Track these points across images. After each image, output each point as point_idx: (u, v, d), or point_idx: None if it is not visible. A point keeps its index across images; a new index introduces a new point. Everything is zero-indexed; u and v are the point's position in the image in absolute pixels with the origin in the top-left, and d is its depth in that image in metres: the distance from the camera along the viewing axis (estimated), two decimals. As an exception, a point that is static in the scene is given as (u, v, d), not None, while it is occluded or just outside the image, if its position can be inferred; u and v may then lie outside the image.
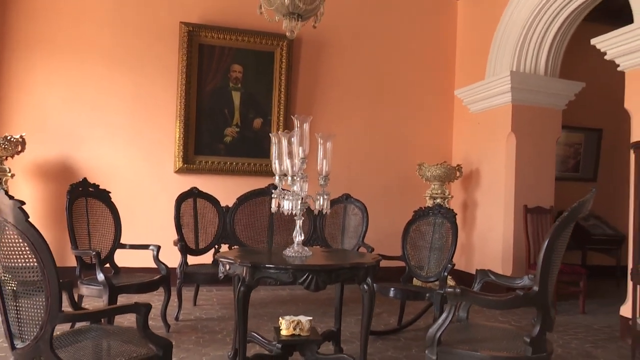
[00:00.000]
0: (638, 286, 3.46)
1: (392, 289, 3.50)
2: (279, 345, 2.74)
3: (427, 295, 3.39)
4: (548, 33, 5.20)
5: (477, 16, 5.92)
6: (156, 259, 3.64)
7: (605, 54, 4.05)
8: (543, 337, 2.07)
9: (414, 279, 4.29)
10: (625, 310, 3.72)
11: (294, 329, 2.74)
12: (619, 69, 4.00)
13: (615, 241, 6.16)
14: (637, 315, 3.43)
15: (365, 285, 2.56)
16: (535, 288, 2.04)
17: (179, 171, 5.24)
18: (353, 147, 5.78)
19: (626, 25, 3.85)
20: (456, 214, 3.74)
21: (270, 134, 3.04)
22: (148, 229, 4.77)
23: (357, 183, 5.53)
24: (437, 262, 3.73)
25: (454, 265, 3.52)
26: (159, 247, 3.68)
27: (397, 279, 3.84)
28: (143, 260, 4.04)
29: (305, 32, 4.68)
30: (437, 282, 3.60)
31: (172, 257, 3.98)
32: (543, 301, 2.02)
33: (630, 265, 3.58)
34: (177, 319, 3.86)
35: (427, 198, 5.47)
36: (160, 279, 3.51)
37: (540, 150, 5.31)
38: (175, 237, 4.06)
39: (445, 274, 3.49)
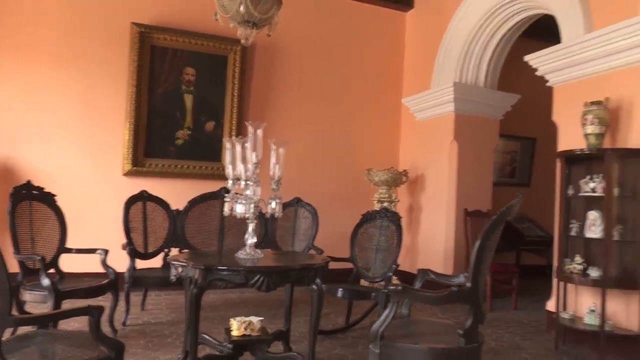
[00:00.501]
0: (562, 283, 3.81)
1: (340, 289, 3.65)
2: (230, 346, 2.81)
3: (373, 294, 3.56)
4: (488, 47, 5.57)
5: (424, 28, 6.24)
6: (104, 263, 3.59)
7: (537, 69, 4.42)
8: (475, 329, 2.27)
9: (362, 279, 4.47)
10: (551, 306, 4.06)
11: (245, 329, 2.81)
12: (547, 84, 4.37)
13: (545, 242, 6.62)
14: (561, 310, 3.78)
15: (314, 286, 2.68)
16: (468, 284, 2.23)
17: (128, 174, 5.15)
18: (305, 152, 5.91)
19: (559, 43, 4.21)
20: (401, 217, 3.94)
21: (224, 139, 3.11)
22: (96, 233, 4.67)
23: (308, 187, 5.65)
24: (383, 263, 3.92)
25: (398, 265, 3.72)
26: (106, 251, 3.64)
27: (345, 280, 4.00)
28: (90, 265, 3.96)
29: (260, 38, 4.74)
30: (382, 282, 3.78)
31: (120, 262, 3.92)
32: (474, 296, 2.23)
33: (555, 264, 3.93)
34: (124, 324, 3.81)
35: (375, 202, 5.68)
36: (108, 283, 3.47)
37: (480, 157, 5.67)
38: (123, 240, 4.02)
39: (390, 274, 3.67)
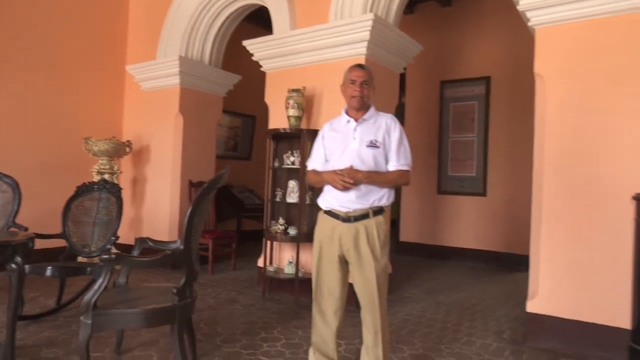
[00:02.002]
0: (269, 242, 4.48)
1: (50, 267, 3.34)
2: None
3: (89, 269, 3.41)
4: (213, 27, 5.83)
5: (150, -4, 6.05)
6: None
7: (253, 54, 4.92)
8: (189, 287, 2.50)
9: (79, 256, 4.19)
10: (261, 262, 4.71)
11: None
12: (262, 69, 4.93)
13: (261, 209, 7.50)
14: (268, 264, 4.44)
15: (13, 265, 2.42)
16: (181, 247, 2.44)
17: None
18: (3, 119, 5.01)
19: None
20: (122, 189, 3.86)
21: None
22: None
23: (8, 157, 4.86)
24: (103, 236, 3.77)
25: (118, 238, 3.65)
26: None
27: (59, 259, 3.68)
28: None
29: None
30: (101, 256, 3.65)
31: None
32: (187, 257, 2.45)
33: (265, 226, 4.57)
34: None
35: (94, 173, 5.32)
36: None
37: (204, 131, 5.96)
38: None
39: (110, 246, 3.58)
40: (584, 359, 2.99)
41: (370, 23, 4.02)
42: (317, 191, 4.29)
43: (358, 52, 4.18)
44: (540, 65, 3.36)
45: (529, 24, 3.42)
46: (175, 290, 2.38)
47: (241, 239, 6.23)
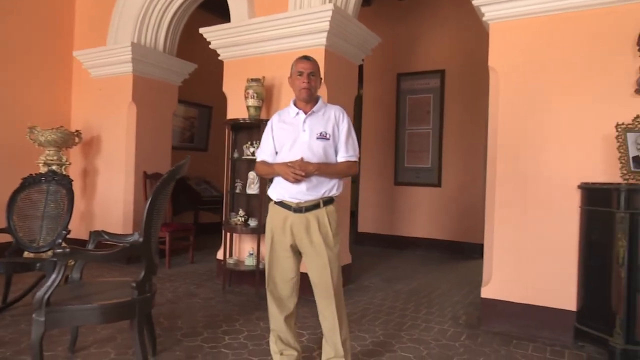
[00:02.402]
0: (229, 234, 4.41)
1: (-5, 264, 3.17)
2: None
3: (38, 265, 3.24)
4: (167, 13, 5.63)
5: (99, -22, 5.77)
6: None
7: (210, 43, 4.80)
8: (148, 281, 2.44)
9: (25, 252, 3.97)
10: (220, 255, 4.64)
11: None
12: (219, 57, 4.82)
13: (219, 201, 7.39)
14: (228, 257, 4.38)
15: (-45, 262, 2.26)
16: (140, 239, 2.36)
17: None
18: None
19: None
20: (72, 180, 3.69)
21: None
22: None
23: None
24: (52, 231, 3.61)
25: (69, 231, 3.49)
26: None
27: (3, 256, 3.47)
28: None
29: None
30: (50, 252, 3.48)
31: None
32: (147, 250, 2.38)
33: (224, 218, 4.50)
34: None
35: (40, 165, 5.03)
36: None
37: (159, 121, 5.78)
38: None
39: (60, 240, 3.42)
40: (534, 340, 3.16)
41: (329, 13, 4.01)
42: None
43: (318, 42, 4.17)
44: (494, 59, 3.48)
45: (484, 18, 3.52)
46: (134, 284, 2.31)
47: (198, 231, 6.10)
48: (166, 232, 5.09)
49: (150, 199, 2.34)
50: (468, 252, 6.35)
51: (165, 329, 3.17)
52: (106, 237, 2.75)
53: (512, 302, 3.31)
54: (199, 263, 5.47)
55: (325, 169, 2.34)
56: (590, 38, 3.14)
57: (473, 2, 3.49)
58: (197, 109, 7.83)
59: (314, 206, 2.35)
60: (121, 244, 2.59)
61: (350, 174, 2.50)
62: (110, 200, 5.53)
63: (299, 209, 2.34)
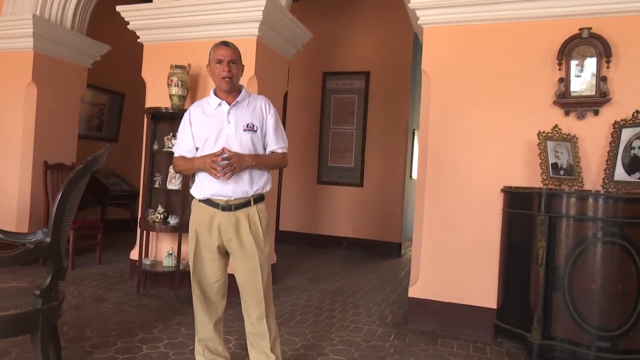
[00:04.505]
0: (145, 232, 4.06)
1: None
2: None
3: None
4: (76, -14, 5.08)
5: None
6: None
7: (128, 23, 4.39)
8: (55, 287, 2.10)
9: None
10: (134, 254, 4.26)
11: None
12: (139, 40, 4.43)
13: (131, 196, 6.87)
14: (144, 257, 4.03)
15: None
16: (48, 239, 2.03)
17: None
18: None
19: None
20: (-44, 169, 3.14)
21: None
22: None
23: None
24: None
25: (-49, 229, 2.95)
26: None
27: None
28: None
29: None
30: None
31: None
32: (55, 251, 2.05)
33: (140, 215, 4.13)
34: None
35: None
36: None
37: (64, 106, 5.18)
38: None
39: (-62, 240, 2.88)
40: (458, 338, 3.25)
41: (263, 2, 3.83)
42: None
43: (250, 32, 3.97)
44: (427, 62, 3.55)
45: (418, 22, 3.57)
46: (38, 292, 1.98)
47: (106, 229, 5.57)
48: (70, 230, 4.56)
49: (61, 193, 2.01)
50: (387, 251, 6.51)
51: (70, 340, 2.80)
52: (2, 236, 2.34)
53: (438, 301, 3.39)
54: (108, 264, 5.00)
55: (261, 161, 2.20)
56: (515, 49, 3.31)
57: (409, 5, 3.52)
58: (107, 95, 7.19)
59: (244, 204, 2.19)
60: (20, 244, 2.21)
61: (284, 165, 2.39)
62: (3, 192, 4.85)
63: (227, 207, 2.17)
